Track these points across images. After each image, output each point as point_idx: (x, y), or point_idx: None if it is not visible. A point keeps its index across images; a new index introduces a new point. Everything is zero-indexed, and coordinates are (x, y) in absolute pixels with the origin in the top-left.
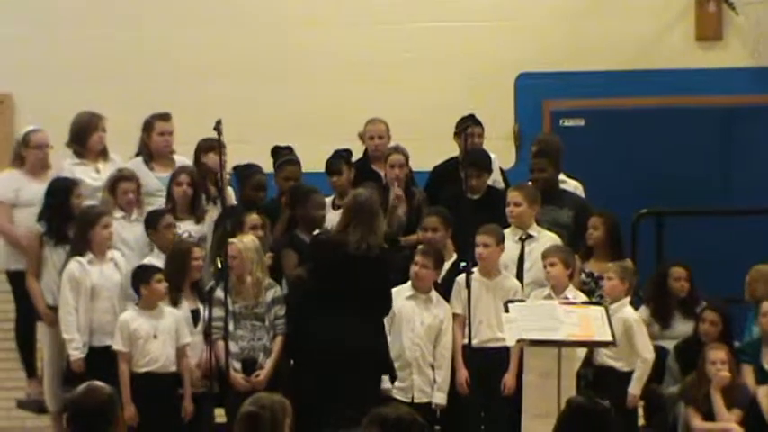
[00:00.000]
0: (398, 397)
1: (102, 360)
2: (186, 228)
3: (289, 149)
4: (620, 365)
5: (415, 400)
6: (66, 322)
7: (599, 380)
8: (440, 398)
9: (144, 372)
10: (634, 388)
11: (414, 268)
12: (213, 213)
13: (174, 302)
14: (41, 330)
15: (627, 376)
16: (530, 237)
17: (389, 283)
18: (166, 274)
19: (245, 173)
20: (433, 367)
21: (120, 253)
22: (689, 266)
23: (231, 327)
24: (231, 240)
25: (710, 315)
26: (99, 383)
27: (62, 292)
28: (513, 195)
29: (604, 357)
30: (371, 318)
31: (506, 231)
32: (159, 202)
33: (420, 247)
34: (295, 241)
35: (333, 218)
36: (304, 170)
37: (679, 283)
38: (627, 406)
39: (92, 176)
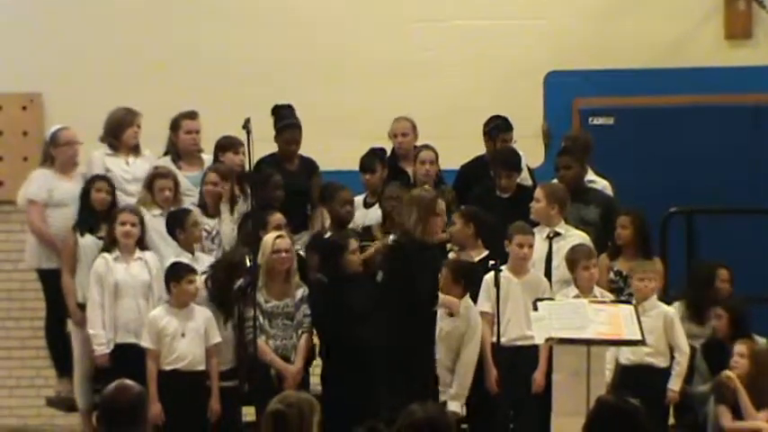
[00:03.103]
0: None
1: (127, 357)
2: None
3: (289, 108)
4: (658, 362)
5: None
6: (92, 318)
7: (636, 378)
8: (455, 406)
9: (170, 369)
10: (675, 384)
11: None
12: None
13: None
14: (72, 328)
15: (663, 372)
16: (557, 234)
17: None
18: (215, 276)
19: (262, 175)
20: (448, 372)
21: (152, 252)
22: (731, 268)
23: (267, 325)
24: (271, 235)
25: (718, 311)
26: (129, 382)
27: (90, 287)
28: (536, 192)
29: (643, 356)
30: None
31: (535, 229)
32: (189, 201)
33: (447, 262)
34: (317, 243)
35: (362, 215)
36: (333, 168)
37: (725, 285)
38: (667, 402)
39: (123, 168)
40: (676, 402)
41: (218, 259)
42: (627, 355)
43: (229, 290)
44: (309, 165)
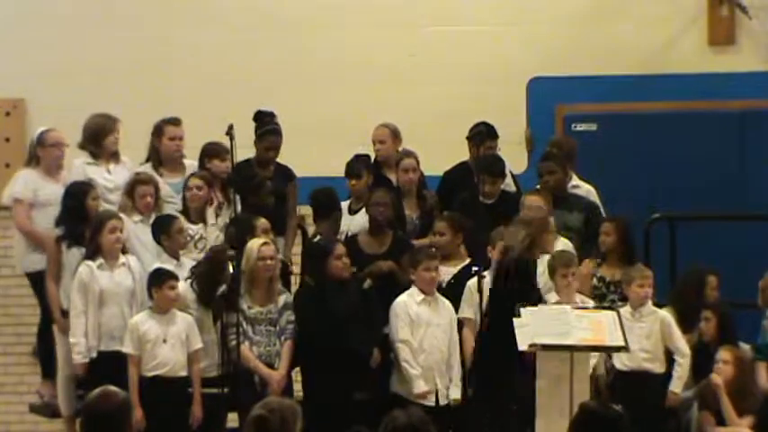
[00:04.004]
0: (423, 402)
1: (110, 365)
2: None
3: (271, 115)
4: (655, 367)
5: (440, 403)
6: (74, 326)
7: (632, 384)
8: (457, 393)
9: (152, 375)
10: (676, 386)
11: (426, 274)
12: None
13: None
14: (57, 335)
15: (660, 378)
16: None
17: None
18: (201, 275)
19: (248, 180)
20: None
21: (135, 258)
22: (719, 273)
23: (250, 332)
24: (256, 242)
25: (707, 314)
26: (113, 388)
27: (72, 296)
28: (532, 200)
29: (641, 361)
30: None
31: None
32: (171, 208)
33: (427, 252)
34: (308, 247)
35: (348, 222)
36: (317, 174)
37: (714, 292)
38: (668, 405)
39: (104, 177)
40: (677, 405)
41: (204, 256)
42: (624, 361)
43: (215, 288)
44: (285, 171)
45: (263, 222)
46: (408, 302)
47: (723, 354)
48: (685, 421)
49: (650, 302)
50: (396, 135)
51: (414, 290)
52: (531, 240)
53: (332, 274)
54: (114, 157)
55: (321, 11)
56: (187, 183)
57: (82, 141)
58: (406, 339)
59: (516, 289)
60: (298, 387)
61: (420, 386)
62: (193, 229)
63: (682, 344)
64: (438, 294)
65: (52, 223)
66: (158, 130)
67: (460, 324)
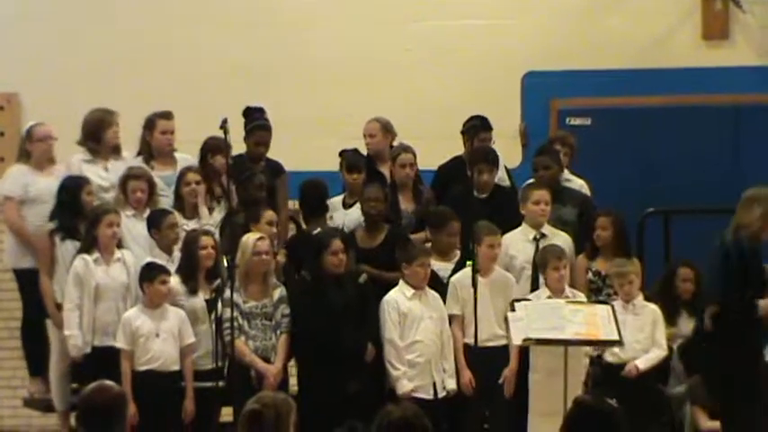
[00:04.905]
0: (420, 395)
1: (105, 359)
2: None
3: (260, 111)
4: None
5: (438, 396)
6: (69, 319)
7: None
8: (453, 383)
9: (145, 370)
10: (642, 362)
11: (421, 270)
12: (218, 212)
13: (193, 291)
14: (51, 329)
15: (653, 371)
16: (543, 236)
17: None
18: (181, 264)
19: (245, 174)
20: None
21: (129, 252)
22: (696, 267)
23: (246, 326)
24: (251, 236)
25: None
26: (110, 383)
27: (67, 288)
28: (541, 194)
29: (634, 354)
30: None
31: (518, 231)
32: (162, 201)
33: (422, 248)
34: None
35: (341, 216)
36: (310, 169)
37: (685, 285)
38: (624, 373)
39: (100, 175)
40: (631, 377)
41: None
42: (617, 354)
43: (196, 275)
44: (275, 166)
45: (269, 214)
46: (399, 299)
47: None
48: (679, 417)
49: (641, 296)
50: (387, 129)
51: (403, 285)
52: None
53: (327, 269)
54: (115, 151)
55: (316, 5)
56: (185, 177)
57: (81, 138)
58: (391, 339)
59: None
60: (293, 381)
61: (403, 386)
62: (188, 224)
63: (663, 340)
64: (428, 288)
65: (44, 219)
66: (150, 124)
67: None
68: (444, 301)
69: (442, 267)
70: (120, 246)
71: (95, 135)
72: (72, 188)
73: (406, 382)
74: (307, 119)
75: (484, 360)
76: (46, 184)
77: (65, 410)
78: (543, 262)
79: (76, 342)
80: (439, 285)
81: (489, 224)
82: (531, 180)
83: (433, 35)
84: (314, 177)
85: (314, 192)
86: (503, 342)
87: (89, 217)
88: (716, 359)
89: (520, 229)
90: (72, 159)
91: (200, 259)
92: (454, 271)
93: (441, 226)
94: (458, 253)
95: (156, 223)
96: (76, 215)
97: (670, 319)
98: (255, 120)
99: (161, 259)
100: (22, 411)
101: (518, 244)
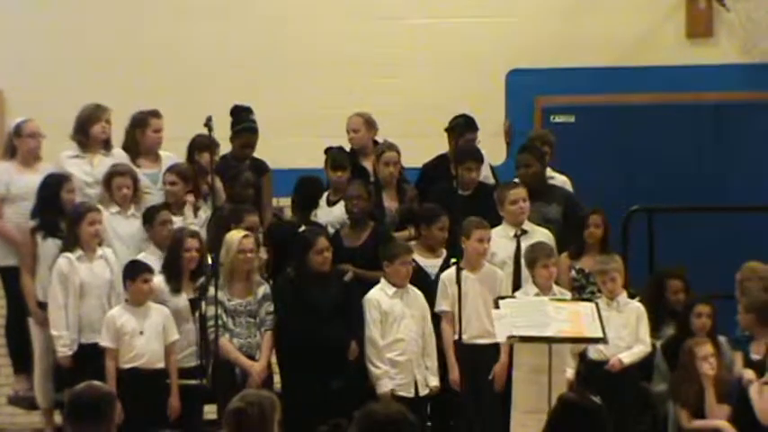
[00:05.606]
0: (402, 393)
1: (90, 357)
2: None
3: (248, 111)
4: None
5: (420, 394)
6: (55, 319)
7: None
8: (436, 381)
9: (129, 367)
10: (626, 357)
11: (403, 268)
12: (204, 211)
13: (176, 290)
14: (32, 327)
15: (636, 368)
16: (525, 233)
17: None
18: (165, 264)
19: (232, 172)
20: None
21: (111, 250)
22: (684, 275)
23: (230, 323)
24: (236, 234)
25: (706, 309)
26: (98, 382)
27: (51, 288)
28: (517, 192)
29: (617, 352)
30: None
31: (499, 228)
32: (148, 199)
33: (405, 246)
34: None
35: (325, 213)
36: (295, 166)
37: (676, 297)
38: (607, 367)
39: (85, 170)
40: (615, 371)
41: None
42: (602, 350)
43: (179, 273)
44: (260, 165)
45: (253, 220)
46: (380, 297)
47: (708, 348)
48: (662, 414)
49: (625, 293)
50: (370, 124)
51: (385, 283)
52: None
53: (312, 268)
54: (105, 146)
55: (299, 3)
56: (165, 177)
57: (73, 132)
58: (371, 337)
59: None
60: (277, 379)
61: (383, 385)
62: (176, 222)
63: (646, 337)
64: (410, 286)
65: (25, 216)
66: (142, 122)
67: (437, 318)
68: (429, 299)
69: (429, 264)
70: (100, 243)
71: (83, 129)
72: (52, 185)
73: (387, 380)
74: (290, 116)
75: (475, 356)
76: (30, 181)
77: (48, 408)
78: (532, 259)
79: (65, 342)
80: (426, 282)
81: (479, 219)
82: (508, 181)
83: (416, 33)
84: (311, 174)
85: (310, 188)
86: (495, 339)
87: (70, 215)
88: None
89: (500, 226)
90: (60, 155)
91: (184, 261)
92: (441, 268)
93: (431, 221)
94: (444, 250)
95: (149, 219)
96: (57, 213)
97: (655, 325)
98: (243, 120)
99: (155, 255)
100: (7, 409)
101: (499, 240)
